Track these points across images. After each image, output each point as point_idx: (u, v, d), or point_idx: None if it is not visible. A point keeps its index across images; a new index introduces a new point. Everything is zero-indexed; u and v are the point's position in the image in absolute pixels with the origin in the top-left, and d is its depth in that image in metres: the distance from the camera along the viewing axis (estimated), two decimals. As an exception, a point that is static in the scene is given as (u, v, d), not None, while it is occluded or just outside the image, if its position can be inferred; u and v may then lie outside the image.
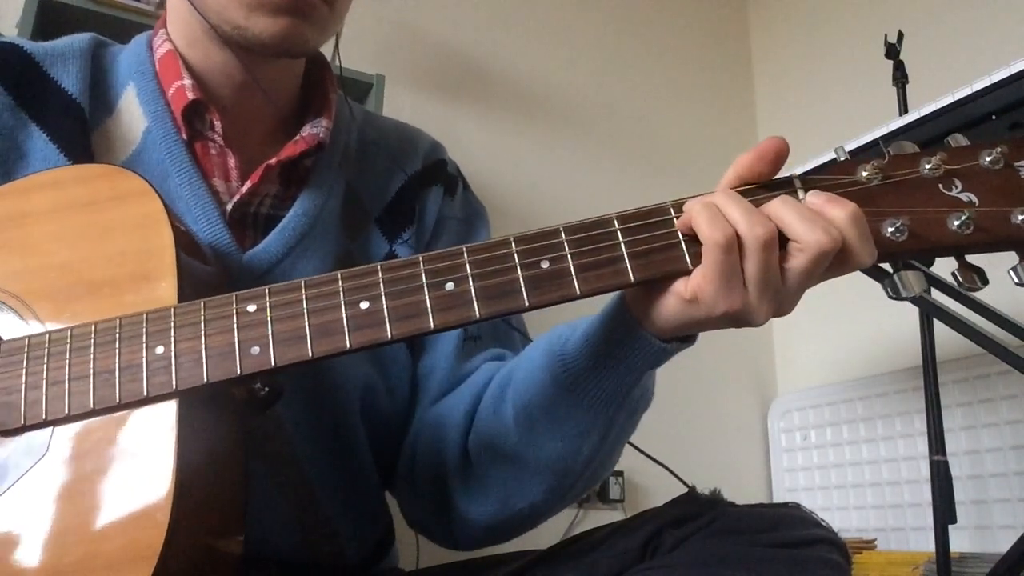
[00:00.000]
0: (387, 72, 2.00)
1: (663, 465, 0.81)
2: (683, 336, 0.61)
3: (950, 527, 1.57)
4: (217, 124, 0.75)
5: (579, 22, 2.57)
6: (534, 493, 0.70)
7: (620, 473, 2.14)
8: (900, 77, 1.80)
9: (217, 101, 0.77)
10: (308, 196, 0.78)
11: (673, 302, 0.56)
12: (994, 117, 1.18)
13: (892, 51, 1.80)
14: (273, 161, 0.75)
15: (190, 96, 0.74)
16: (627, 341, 0.61)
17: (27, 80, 0.74)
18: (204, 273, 0.64)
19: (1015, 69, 1.15)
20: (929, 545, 1.67)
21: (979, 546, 1.84)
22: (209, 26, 0.74)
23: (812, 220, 0.53)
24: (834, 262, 0.54)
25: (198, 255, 0.65)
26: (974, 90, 1.20)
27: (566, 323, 0.66)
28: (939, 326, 1.64)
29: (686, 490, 0.69)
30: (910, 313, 1.76)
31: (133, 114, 0.76)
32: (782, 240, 0.54)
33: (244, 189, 0.75)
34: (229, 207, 0.75)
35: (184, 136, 0.75)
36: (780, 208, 0.54)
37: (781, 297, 0.55)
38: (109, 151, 0.75)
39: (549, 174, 2.35)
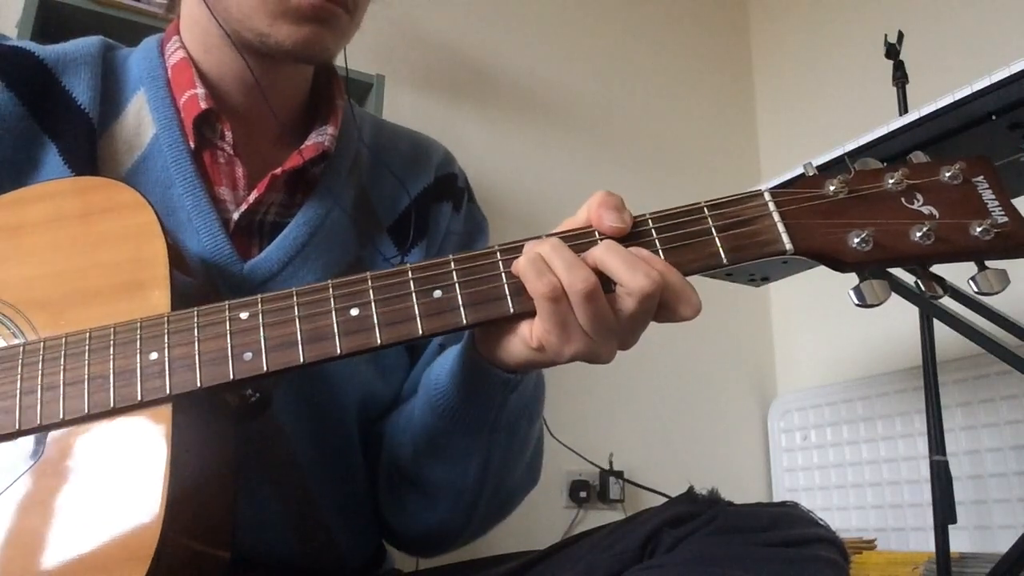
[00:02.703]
0: (387, 72, 2.00)
1: (655, 491, 0.82)
2: None
3: (950, 527, 1.57)
4: (228, 134, 0.75)
5: (579, 22, 2.57)
6: (439, 511, 0.74)
7: (620, 473, 2.15)
8: (900, 77, 1.80)
9: (229, 109, 0.77)
10: (311, 205, 0.78)
11: (520, 347, 0.59)
12: (994, 117, 1.18)
13: (892, 51, 1.80)
14: (278, 171, 0.75)
15: (203, 105, 0.74)
16: (479, 373, 0.64)
17: (41, 89, 0.74)
18: (191, 286, 0.64)
19: (1015, 69, 1.15)
20: (929, 545, 1.67)
21: (979, 546, 1.84)
22: (226, 33, 0.74)
23: (635, 265, 0.55)
24: (661, 308, 0.56)
25: (183, 268, 0.65)
26: (974, 90, 1.19)
27: (457, 346, 0.69)
28: (939, 326, 1.63)
29: (684, 490, 0.69)
30: (910, 313, 1.76)
31: (142, 120, 0.76)
32: (611, 283, 0.56)
33: (251, 199, 0.75)
34: (236, 216, 0.75)
35: (192, 145, 0.75)
36: (605, 255, 0.56)
37: (621, 336, 0.57)
38: (114, 156, 0.75)
39: (549, 174, 2.35)
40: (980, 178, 0.59)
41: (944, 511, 1.55)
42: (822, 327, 2.43)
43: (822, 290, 2.33)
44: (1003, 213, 0.58)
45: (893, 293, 1.20)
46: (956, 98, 1.22)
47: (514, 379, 0.65)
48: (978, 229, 0.57)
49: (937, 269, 0.60)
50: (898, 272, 1.20)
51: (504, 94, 2.38)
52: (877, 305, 0.58)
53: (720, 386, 2.47)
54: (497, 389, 0.65)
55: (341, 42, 0.76)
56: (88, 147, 0.74)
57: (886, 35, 1.81)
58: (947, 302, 1.55)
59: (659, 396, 2.33)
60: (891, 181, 0.59)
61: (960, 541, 1.80)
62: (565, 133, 2.43)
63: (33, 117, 0.73)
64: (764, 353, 2.59)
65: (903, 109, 1.77)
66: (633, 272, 0.55)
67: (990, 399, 1.90)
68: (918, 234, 0.57)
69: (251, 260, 0.74)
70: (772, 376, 2.58)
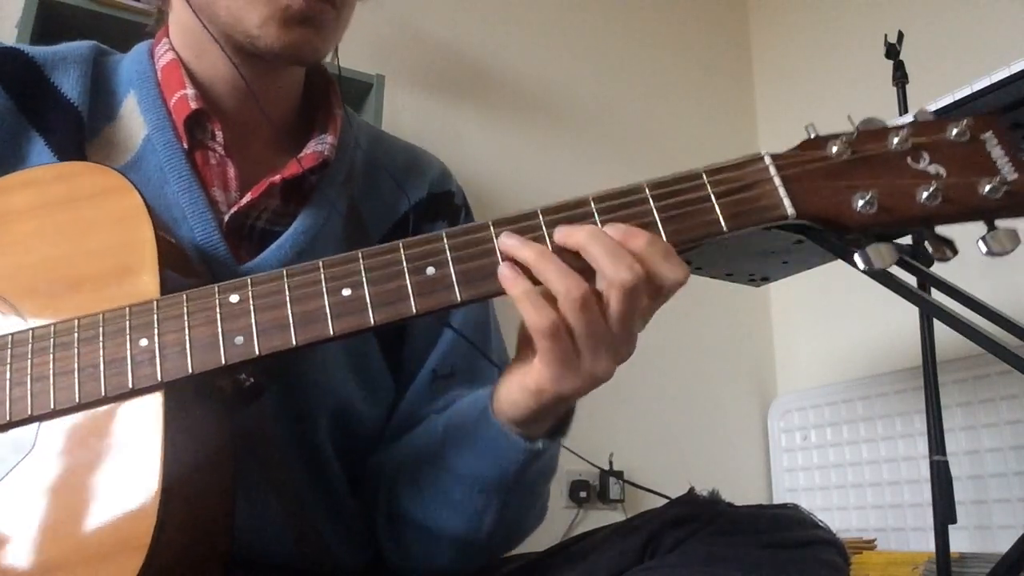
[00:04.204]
0: (387, 72, 2.00)
1: (655, 492, 0.82)
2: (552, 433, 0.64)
3: (950, 527, 1.57)
4: (219, 134, 0.75)
5: (579, 22, 2.57)
6: (443, 559, 0.71)
7: (620, 473, 2.15)
8: (900, 77, 1.80)
9: (219, 111, 0.77)
10: (309, 214, 0.77)
11: (520, 395, 0.58)
12: (994, 117, 1.18)
13: (892, 51, 1.80)
14: (277, 179, 0.75)
15: (193, 106, 0.74)
16: (490, 435, 0.63)
17: (29, 85, 0.74)
18: (184, 284, 0.63)
19: (1015, 69, 1.15)
20: (929, 545, 1.67)
21: (979, 546, 1.84)
22: (213, 36, 0.74)
23: (618, 256, 0.54)
24: (650, 291, 0.55)
25: (184, 261, 0.64)
26: (974, 90, 1.19)
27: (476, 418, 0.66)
28: (939, 326, 1.63)
29: (685, 492, 0.69)
30: (910, 313, 1.76)
31: (133, 122, 0.76)
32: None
33: (244, 201, 0.74)
34: (226, 218, 0.74)
35: (185, 145, 0.75)
36: (588, 241, 0.54)
37: (616, 346, 0.55)
38: (107, 158, 0.74)
39: (549, 174, 2.35)
40: (989, 134, 0.57)
41: (944, 511, 1.55)
42: (822, 327, 2.43)
43: (822, 290, 2.33)
44: (1013, 170, 0.55)
45: (893, 293, 1.19)
46: (956, 98, 1.22)
47: (538, 448, 0.62)
48: (987, 187, 0.54)
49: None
50: (898, 272, 1.20)
51: (504, 94, 2.38)
52: (885, 269, 0.55)
53: (720, 386, 2.46)
54: (512, 455, 0.63)
55: (330, 42, 0.76)
56: (77, 140, 0.73)
57: (886, 35, 1.81)
58: (947, 302, 1.54)
59: (659, 396, 2.33)
60: (896, 141, 0.57)
61: (960, 541, 1.80)
62: (565, 133, 2.43)
63: (21, 111, 0.73)
64: (764, 353, 2.59)
65: (903, 109, 1.77)
66: (617, 265, 0.53)
67: (990, 399, 1.90)
68: (924, 194, 0.55)
69: (247, 264, 0.73)
70: (772, 376, 2.58)
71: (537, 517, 0.75)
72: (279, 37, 0.71)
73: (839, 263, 1.17)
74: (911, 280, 1.27)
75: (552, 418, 0.62)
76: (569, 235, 0.56)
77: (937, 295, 1.60)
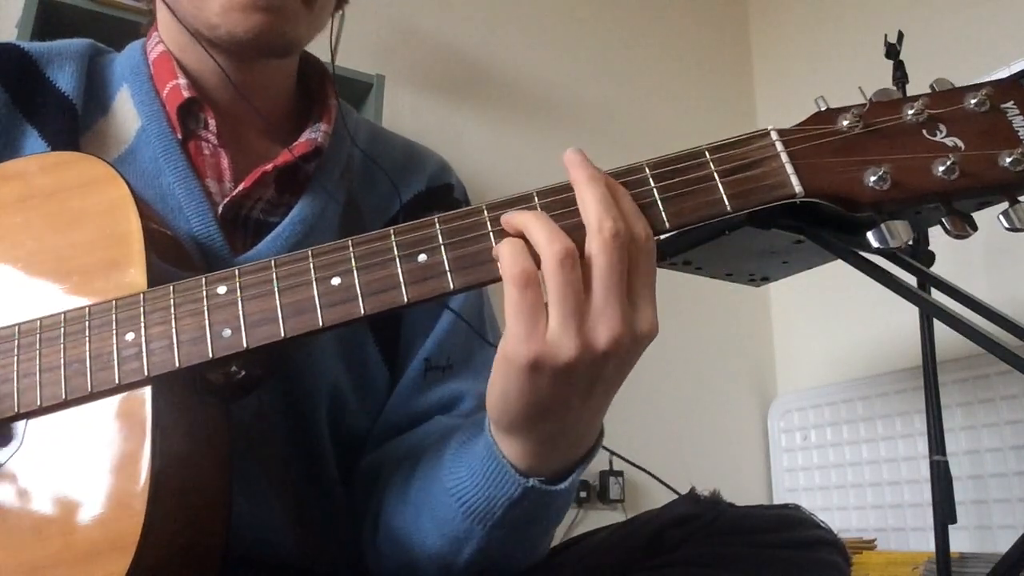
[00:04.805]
0: (387, 72, 2.00)
1: (656, 476, 0.81)
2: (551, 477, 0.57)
3: (950, 527, 1.57)
4: (212, 123, 0.75)
5: (579, 22, 2.57)
6: (421, 574, 0.68)
7: (620, 473, 2.15)
8: (900, 77, 1.80)
9: (212, 102, 0.77)
10: (305, 204, 0.76)
11: (492, 374, 0.53)
12: (995, 117, 1.18)
13: (892, 51, 1.80)
14: (269, 167, 0.74)
15: (185, 94, 0.74)
16: (478, 447, 0.59)
17: (24, 78, 0.75)
18: (172, 274, 0.62)
19: (1015, 69, 1.15)
20: (929, 545, 1.67)
21: (979, 546, 1.84)
22: (188, 30, 0.73)
23: (608, 205, 0.51)
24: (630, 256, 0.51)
25: (180, 252, 0.63)
26: (974, 90, 1.19)
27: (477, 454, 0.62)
28: (939, 326, 1.63)
29: (685, 491, 0.69)
30: (910, 313, 1.76)
31: (127, 114, 0.76)
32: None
33: (236, 191, 0.74)
34: (220, 208, 0.74)
35: (179, 135, 0.75)
36: (585, 184, 0.53)
37: (590, 320, 0.50)
38: (100, 151, 0.74)
39: (549, 174, 2.34)
40: (1010, 103, 0.54)
41: (944, 511, 1.55)
42: (822, 327, 2.44)
43: (822, 290, 2.33)
44: None
45: (893, 293, 1.19)
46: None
47: (530, 486, 0.57)
48: (1008, 159, 0.51)
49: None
50: (898, 271, 1.20)
51: (504, 94, 2.38)
52: (900, 247, 0.52)
53: (720, 386, 2.47)
54: (503, 487, 0.58)
55: (299, 29, 0.74)
56: (71, 134, 0.73)
57: (886, 35, 1.81)
58: (947, 302, 1.54)
59: (659, 396, 2.33)
60: (911, 112, 0.54)
61: (960, 541, 1.80)
62: (565, 132, 2.43)
63: (15, 105, 0.73)
64: (764, 353, 2.59)
65: (903, 109, 1.77)
66: (603, 209, 0.51)
67: (990, 399, 1.91)
68: (941, 168, 0.52)
69: (244, 255, 0.73)
70: (772, 376, 2.58)
71: (530, 560, 0.68)
72: (238, 24, 0.70)
73: (839, 263, 1.17)
74: (911, 280, 1.26)
75: (542, 435, 0.55)
76: (576, 168, 0.54)
77: (937, 295, 1.60)
